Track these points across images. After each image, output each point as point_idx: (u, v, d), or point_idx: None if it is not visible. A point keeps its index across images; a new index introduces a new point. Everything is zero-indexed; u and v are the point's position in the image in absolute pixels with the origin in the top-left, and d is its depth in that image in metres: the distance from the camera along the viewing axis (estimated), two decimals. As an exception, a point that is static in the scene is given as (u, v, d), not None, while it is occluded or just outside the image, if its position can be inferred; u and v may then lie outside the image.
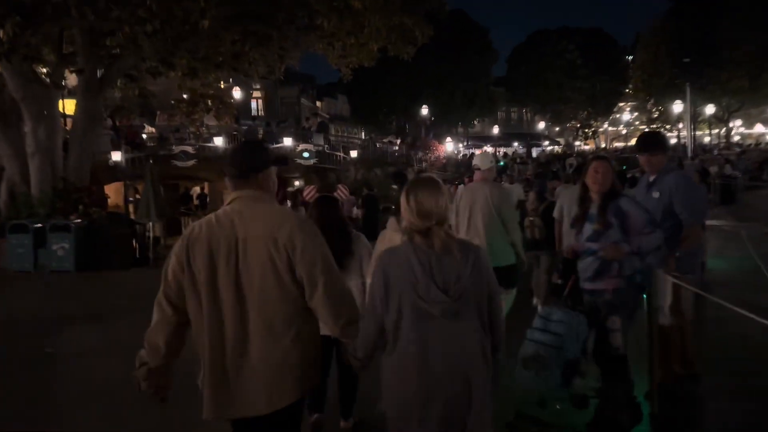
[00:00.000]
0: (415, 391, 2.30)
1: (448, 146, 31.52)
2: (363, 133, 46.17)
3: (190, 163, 19.42)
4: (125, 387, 2.97)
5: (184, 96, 28.02)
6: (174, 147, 19.60)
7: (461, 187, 9.88)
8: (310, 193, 13.00)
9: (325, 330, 2.40)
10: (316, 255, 2.28)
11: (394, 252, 2.39)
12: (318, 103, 49.72)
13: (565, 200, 6.11)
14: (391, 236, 3.51)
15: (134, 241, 14.17)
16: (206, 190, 21.96)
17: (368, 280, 2.99)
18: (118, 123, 18.93)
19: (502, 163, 32.58)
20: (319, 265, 2.27)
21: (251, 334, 2.26)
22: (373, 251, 3.68)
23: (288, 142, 22.08)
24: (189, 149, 19.62)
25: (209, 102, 25.02)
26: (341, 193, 13.53)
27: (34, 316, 8.48)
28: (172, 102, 26.55)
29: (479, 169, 5.60)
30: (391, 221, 3.64)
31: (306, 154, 21.15)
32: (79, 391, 5.28)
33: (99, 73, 15.08)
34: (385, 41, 16.72)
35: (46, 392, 5.39)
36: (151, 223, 13.76)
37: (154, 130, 21.12)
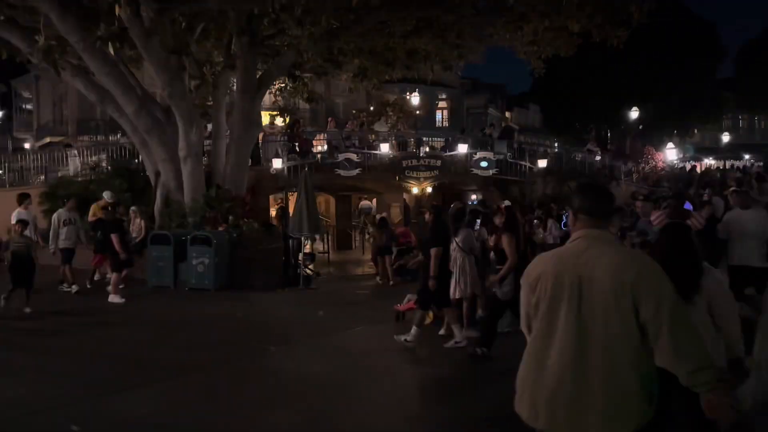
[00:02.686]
0: None
1: (670, 154, 25.79)
2: (556, 146, 41.99)
3: (355, 172, 17.69)
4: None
5: (371, 107, 27.24)
6: (338, 155, 18.03)
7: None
8: (658, 218, 10.15)
9: None
10: (662, 298, 2.29)
11: None
12: (507, 114, 46.63)
13: None
14: None
15: (284, 258, 12.63)
16: (374, 203, 20.20)
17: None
18: (296, 131, 18.02)
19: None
20: (665, 309, 2.27)
21: (592, 366, 2.33)
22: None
23: (462, 149, 19.34)
24: (354, 157, 17.87)
25: (389, 111, 23.59)
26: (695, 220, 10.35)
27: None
28: (354, 111, 25.75)
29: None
30: None
31: (484, 164, 18.26)
32: None
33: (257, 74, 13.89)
34: (588, 22, 13.17)
35: None
36: (306, 239, 12.14)
37: (323, 137, 19.80)
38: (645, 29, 33.66)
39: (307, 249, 13.24)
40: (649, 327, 2.26)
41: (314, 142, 19.13)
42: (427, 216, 7.49)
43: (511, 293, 6.18)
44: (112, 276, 10.29)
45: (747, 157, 39.15)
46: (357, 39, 12.58)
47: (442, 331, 7.55)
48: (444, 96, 38.09)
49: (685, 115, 36.14)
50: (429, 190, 18.20)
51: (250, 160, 14.87)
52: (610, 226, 2.56)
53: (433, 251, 6.88)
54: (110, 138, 21.44)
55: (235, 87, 14.30)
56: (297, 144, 17.42)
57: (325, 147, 19.22)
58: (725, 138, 42.89)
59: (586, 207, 2.48)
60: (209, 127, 14.87)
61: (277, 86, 15.90)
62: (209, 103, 14.59)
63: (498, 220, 7.25)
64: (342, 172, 17.67)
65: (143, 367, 6.40)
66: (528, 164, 19.01)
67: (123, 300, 9.97)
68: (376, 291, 12.30)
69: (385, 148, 19.02)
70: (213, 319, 9.08)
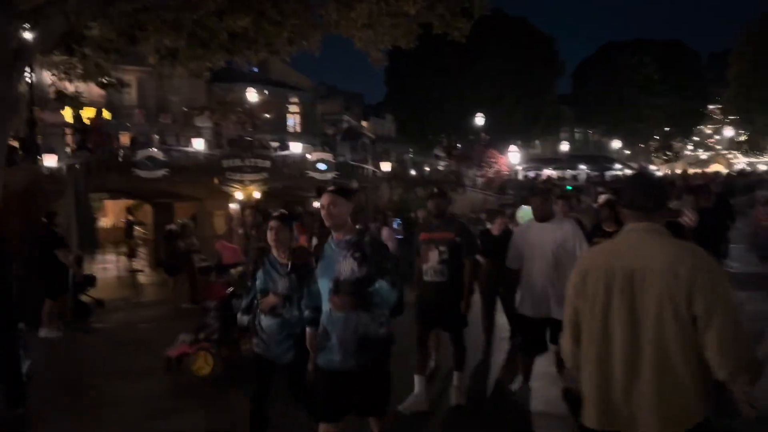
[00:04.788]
0: None
1: (512, 157, 25.60)
2: (411, 155, 41.81)
3: (160, 173, 14.54)
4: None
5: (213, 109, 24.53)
6: (138, 152, 14.89)
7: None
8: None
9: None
10: (716, 293, 2.25)
11: None
12: (364, 123, 45.88)
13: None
14: None
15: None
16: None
17: None
18: (88, 123, 14.87)
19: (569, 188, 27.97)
20: (719, 304, 2.24)
21: (645, 361, 2.32)
22: None
23: (296, 148, 17.42)
24: (158, 154, 14.84)
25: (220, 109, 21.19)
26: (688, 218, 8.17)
27: None
28: (184, 109, 22.95)
29: None
30: None
31: (322, 166, 16.36)
32: None
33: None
34: (428, 12, 12.02)
35: None
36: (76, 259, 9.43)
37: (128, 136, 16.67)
38: (492, 41, 34.29)
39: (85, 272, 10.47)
40: (699, 321, 2.25)
41: (121, 138, 16.12)
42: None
43: None
44: None
45: (583, 167, 41.63)
46: (156, 9, 10.25)
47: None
48: (295, 99, 36.14)
49: (528, 124, 37.46)
50: (257, 195, 15.82)
51: (22, 156, 11.79)
52: (659, 218, 2.45)
53: None
54: None
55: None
56: (89, 138, 14.35)
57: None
58: (564, 147, 45.28)
59: (634, 200, 2.47)
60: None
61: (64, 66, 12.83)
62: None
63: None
64: (142, 173, 14.44)
65: None
66: (372, 168, 17.58)
67: None
68: (166, 321, 9.65)
69: (199, 145, 16.39)
70: None
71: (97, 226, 10.03)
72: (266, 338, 3.96)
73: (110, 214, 22.47)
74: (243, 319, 4.19)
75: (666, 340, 2.27)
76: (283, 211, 4.34)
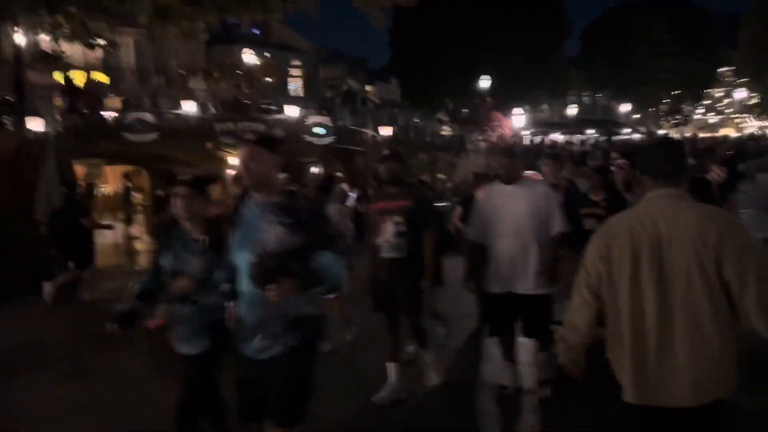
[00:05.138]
0: None
1: (517, 121, 24.59)
2: (417, 120, 41.24)
3: (150, 136, 13.99)
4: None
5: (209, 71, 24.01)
6: (127, 115, 14.29)
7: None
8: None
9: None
10: (747, 255, 2.23)
11: None
12: (369, 87, 45.06)
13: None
14: None
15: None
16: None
17: None
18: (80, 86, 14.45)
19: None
20: (752, 266, 2.21)
21: (676, 329, 2.30)
22: None
23: (292, 111, 16.85)
24: (148, 117, 14.30)
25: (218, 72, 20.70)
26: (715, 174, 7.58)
27: None
28: (180, 72, 22.46)
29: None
30: None
31: (320, 130, 15.72)
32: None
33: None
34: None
35: None
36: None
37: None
38: (497, 1, 33.37)
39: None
40: (733, 285, 2.21)
41: (112, 102, 15.59)
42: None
43: None
44: None
45: (591, 131, 40.96)
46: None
47: None
48: (297, 63, 35.40)
49: (535, 88, 36.73)
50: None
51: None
52: (682, 183, 2.40)
53: None
54: None
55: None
56: (79, 101, 13.93)
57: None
58: (572, 111, 44.55)
59: (656, 167, 2.42)
60: None
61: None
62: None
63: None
64: (132, 137, 13.89)
65: None
66: (371, 132, 17.10)
67: None
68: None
69: (191, 107, 15.88)
70: None
71: (79, 195, 9.59)
72: (182, 330, 3.35)
73: (111, 181, 22.26)
74: (138, 304, 3.47)
75: (697, 306, 2.26)
76: (196, 174, 3.81)
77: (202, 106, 16.06)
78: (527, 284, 4.29)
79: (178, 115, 15.61)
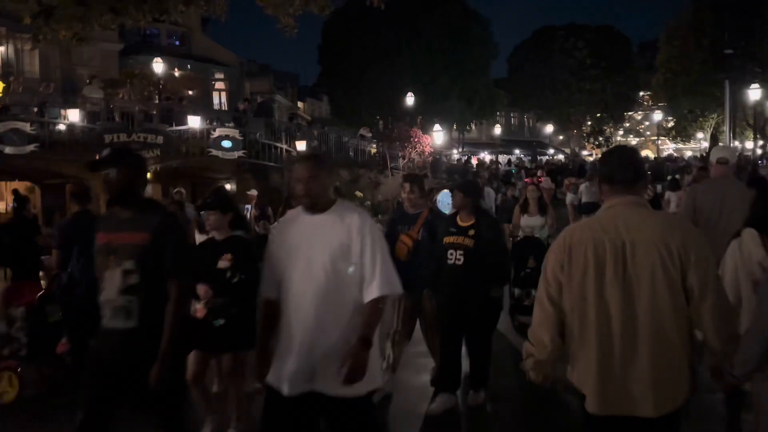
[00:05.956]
0: None
1: (437, 137, 23.94)
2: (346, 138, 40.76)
3: (28, 149, 12.78)
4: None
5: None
6: (2, 123, 12.85)
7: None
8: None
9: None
10: (708, 263, 2.32)
11: None
12: (300, 104, 44.39)
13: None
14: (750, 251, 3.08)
15: None
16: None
17: None
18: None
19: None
20: (711, 274, 2.31)
21: (641, 335, 2.31)
22: None
23: (194, 122, 15.78)
24: (24, 127, 12.94)
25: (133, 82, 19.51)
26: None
27: None
28: (87, 81, 21.06)
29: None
30: (749, 234, 3.10)
31: (227, 143, 14.71)
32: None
33: None
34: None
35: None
36: None
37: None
38: (426, 20, 33.47)
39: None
40: (695, 291, 2.27)
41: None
42: None
43: None
44: None
45: (517, 151, 41.73)
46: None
47: None
48: (221, 76, 34.36)
49: (463, 108, 37.04)
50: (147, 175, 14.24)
51: None
52: (640, 190, 2.43)
53: None
54: None
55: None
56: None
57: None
58: (498, 131, 45.26)
59: (613, 174, 2.42)
60: None
61: None
62: None
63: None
64: (7, 149, 12.67)
65: None
66: (286, 147, 16.21)
67: None
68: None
69: (74, 116, 14.49)
70: None
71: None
72: None
73: (6, 197, 20.43)
74: None
75: (661, 311, 2.28)
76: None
77: (92, 116, 14.78)
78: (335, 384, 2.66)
79: (58, 125, 14.23)
